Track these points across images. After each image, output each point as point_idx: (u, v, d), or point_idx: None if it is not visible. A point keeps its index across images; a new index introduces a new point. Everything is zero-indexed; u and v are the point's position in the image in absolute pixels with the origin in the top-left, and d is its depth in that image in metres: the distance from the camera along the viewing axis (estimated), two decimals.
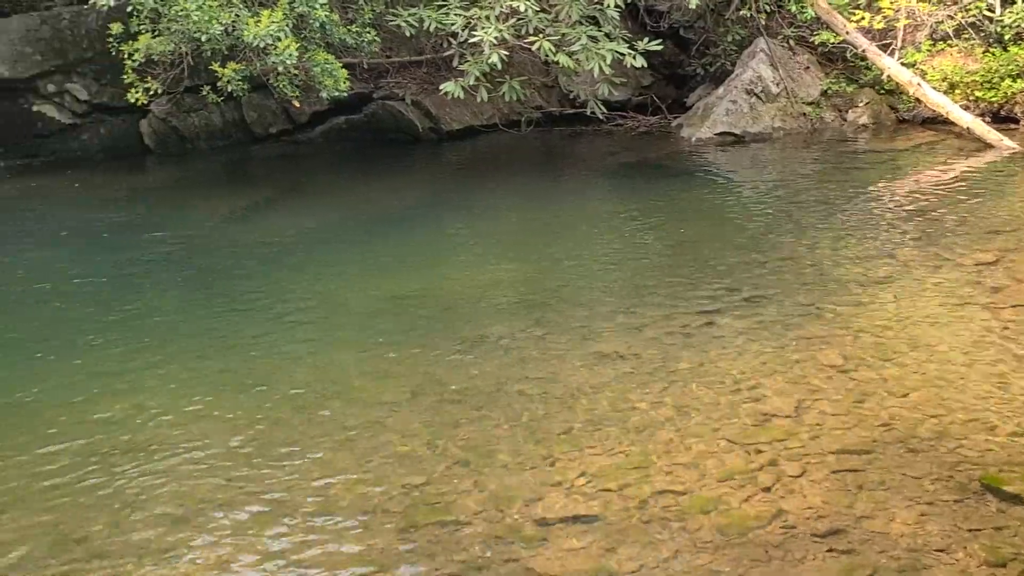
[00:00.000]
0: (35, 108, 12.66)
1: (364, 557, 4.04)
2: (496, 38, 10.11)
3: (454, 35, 10.73)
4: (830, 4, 12.85)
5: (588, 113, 11.67)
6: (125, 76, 11.04)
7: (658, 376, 5.65)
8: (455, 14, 10.52)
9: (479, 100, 10.96)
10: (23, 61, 12.37)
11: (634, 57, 10.39)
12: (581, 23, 10.50)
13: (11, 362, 6.31)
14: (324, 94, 10.95)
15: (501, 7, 10.21)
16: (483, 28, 10.13)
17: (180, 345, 6.52)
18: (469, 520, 4.25)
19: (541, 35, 10.40)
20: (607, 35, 10.53)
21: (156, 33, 10.49)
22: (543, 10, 10.55)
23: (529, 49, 10.72)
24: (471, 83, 10.56)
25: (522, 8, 10.10)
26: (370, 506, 4.40)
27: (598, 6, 10.59)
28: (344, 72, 10.88)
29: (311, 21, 10.38)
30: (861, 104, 13.14)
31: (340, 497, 4.48)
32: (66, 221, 10.10)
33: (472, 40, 10.34)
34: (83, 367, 6.14)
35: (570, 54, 10.35)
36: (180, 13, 9.94)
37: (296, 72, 10.53)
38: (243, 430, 5.18)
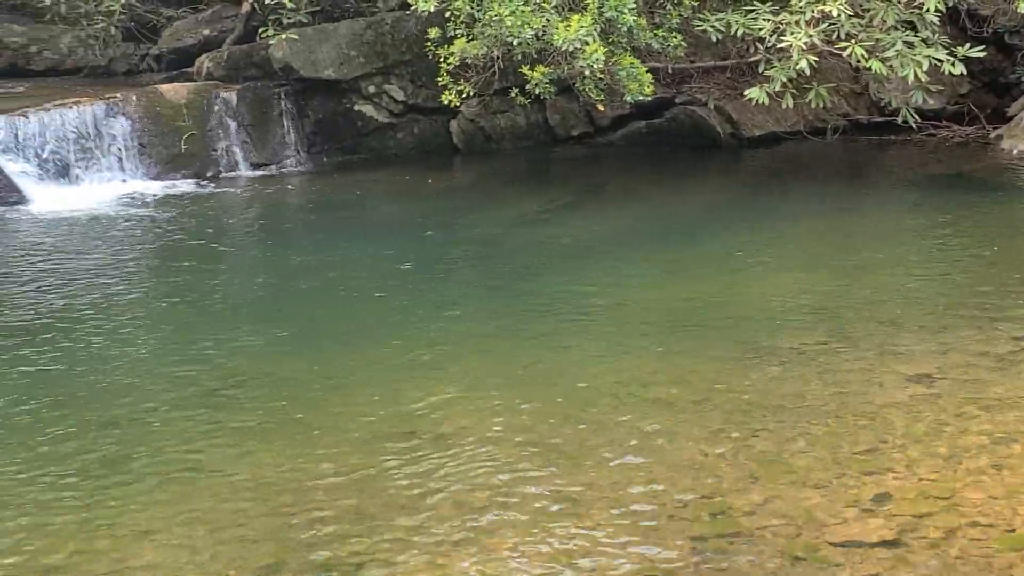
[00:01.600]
0: (356, 108, 13.48)
1: (653, 566, 4.05)
2: (805, 43, 9.88)
3: (761, 40, 10.58)
4: None
5: (899, 122, 11.19)
6: (439, 79, 11.58)
7: (967, 401, 5.35)
8: (764, 19, 10.36)
9: (783, 106, 10.75)
10: (348, 64, 13.20)
11: (953, 64, 9.88)
12: (896, 28, 10.09)
13: (329, 348, 6.75)
14: (628, 98, 11.07)
15: (812, 12, 9.96)
16: (792, 33, 9.92)
17: (478, 339, 6.78)
18: (761, 535, 4.19)
19: (853, 40, 10.06)
20: (924, 41, 10.06)
21: (471, 37, 10.94)
22: (856, 15, 10.20)
23: (839, 55, 10.40)
24: (776, 89, 10.38)
25: (834, 13, 9.82)
26: (660, 513, 4.41)
27: (916, 10, 10.14)
28: (648, 76, 10.95)
29: (619, 26, 10.52)
30: None
31: (630, 501, 4.52)
32: (381, 215, 10.76)
33: (780, 45, 10.15)
34: (390, 356, 6.48)
35: (883, 60, 9.96)
36: (494, 18, 10.33)
37: (602, 76, 10.68)
38: (536, 427, 5.32)
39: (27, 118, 11.72)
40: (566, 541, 4.23)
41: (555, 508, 4.49)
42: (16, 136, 11.56)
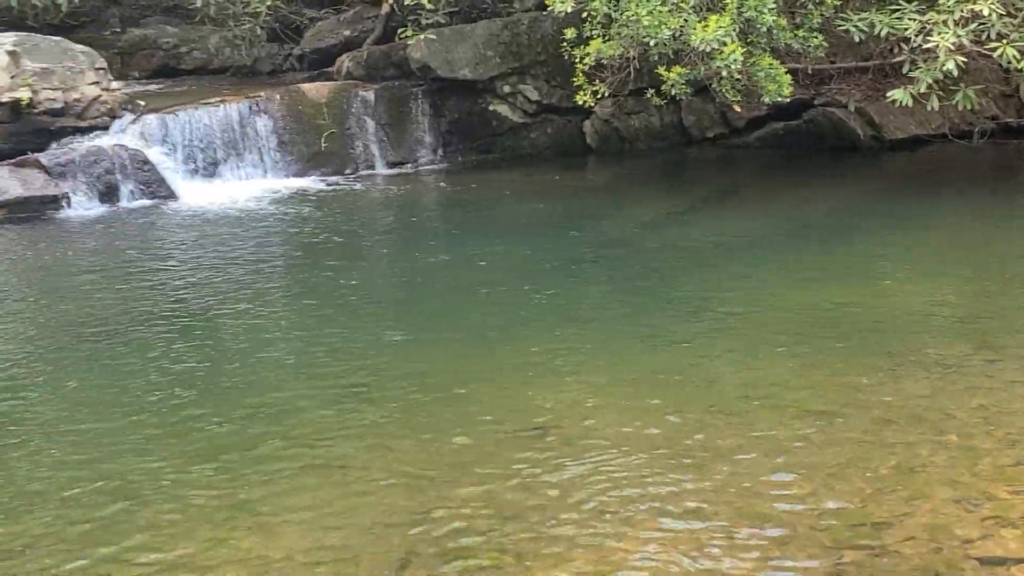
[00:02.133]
0: (491, 107, 13.60)
1: None
2: (953, 43, 9.58)
3: (906, 40, 10.30)
4: None
5: None
6: (574, 79, 11.60)
7: None
8: (909, 18, 10.08)
9: (928, 109, 10.44)
10: (484, 64, 13.33)
11: None
12: None
13: (463, 344, 6.83)
14: (765, 99, 10.91)
15: (961, 11, 9.65)
16: (939, 33, 9.63)
17: (609, 340, 6.77)
18: (901, 549, 4.09)
19: (1004, 40, 9.71)
20: None
21: (607, 38, 10.93)
22: (1008, 14, 9.85)
23: (989, 55, 10.05)
24: (921, 90, 10.09)
25: (985, 12, 9.49)
26: (795, 522, 4.34)
27: None
28: (787, 77, 10.77)
29: (758, 26, 10.37)
30: None
31: (763, 509, 4.46)
32: (514, 214, 10.82)
33: (926, 45, 9.87)
34: (522, 354, 6.52)
35: None
36: (631, 18, 10.30)
37: (739, 76, 10.55)
38: (667, 431, 5.29)
39: (176, 116, 12.18)
40: (696, 548, 4.19)
41: (685, 513, 4.46)
42: (166, 134, 12.02)
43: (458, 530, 4.36)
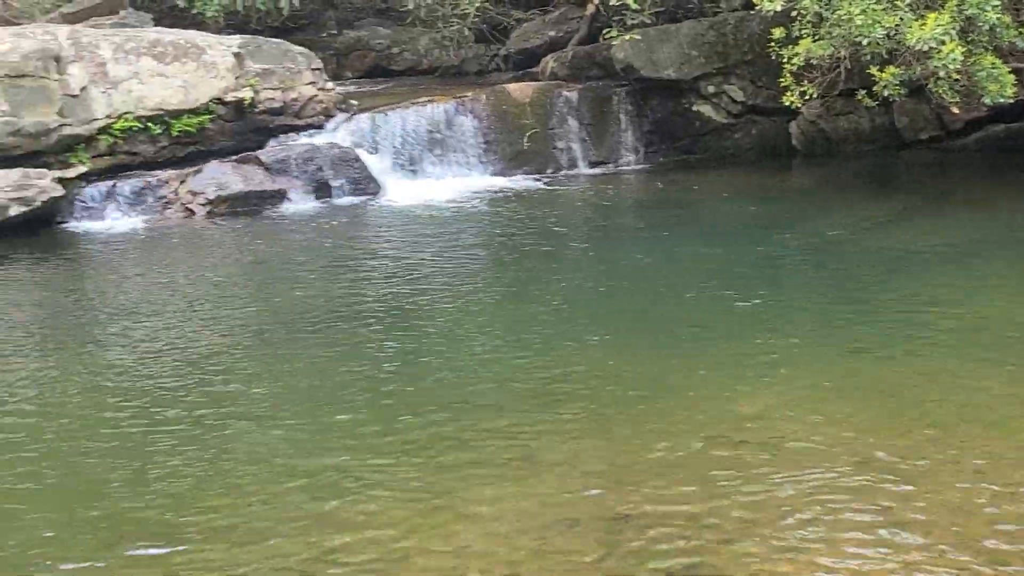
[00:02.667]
0: (695, 108, 13.47)
1: None
2: None
3: None
4: None
5: None
6: (781, 79, 11.35)
7: None
8: None
9: None
10: (688, 64, 13.21)
11: None
12: None
13: (658, 347, 6.82)
14: (986, 100, 10.41)
15: None
16: None
17: (810, 347, 6.61)
18: None
19: None
20: None
21: (817, 37, 10.65)
22: None
23: None
24: None
25: None
26: (1010, 550, 4.15)
27: None
28: (1011, 77, 10.24)
29: (979, 24, 9.90)
30: None
31: (973, 531, 4.28)
32: (716, 215, 10.71)
33: None
34: (718, 358, 6.45)
35: None
36: (843, 17, 10.01)
37: (958, 76, 10.10)
38: (868, 442, 5.13)
39: (386, 116, 12.60)
40: (896, 567, 4.07)
41: (886, 530, 4.33)
42: (376, 133, 12.46)
43: (654, 537, 4.36)
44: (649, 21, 13.19)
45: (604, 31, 13.38)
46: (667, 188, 12.03)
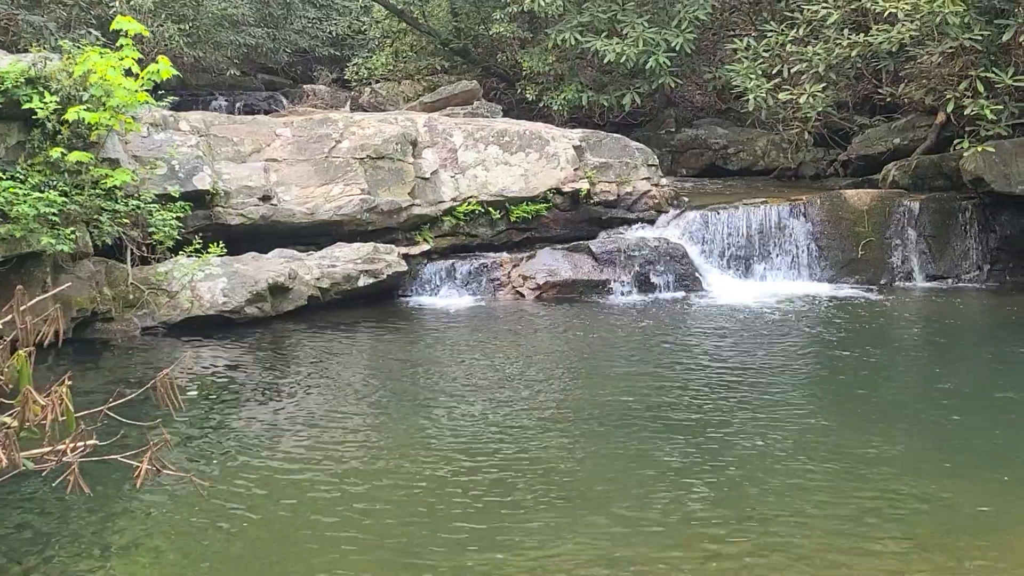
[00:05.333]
0: None
1: None
2: None
3: None
4: None
5: None
6: None
7: None
8: None
9: None
10: None
11: None
12: None
13: (978, 473, 6.34)
14: None
15: None
16: None
17: None
18: None
19: None
20: None
21: None
22: None
23: None
24: None
25: None
26: None
27: None
28: None
29: None
30: None
31: None
32: None
33: None
34: None
35: None
36: None
37: None
38: None
39: (718, 214, 12.62)
40: None
41: None
42: (706, 230, 12.50)
43: None
44: (1006, 133, 12.51)
45: (955, 141, 12.81)
46: (1013, 309, 11.22)
